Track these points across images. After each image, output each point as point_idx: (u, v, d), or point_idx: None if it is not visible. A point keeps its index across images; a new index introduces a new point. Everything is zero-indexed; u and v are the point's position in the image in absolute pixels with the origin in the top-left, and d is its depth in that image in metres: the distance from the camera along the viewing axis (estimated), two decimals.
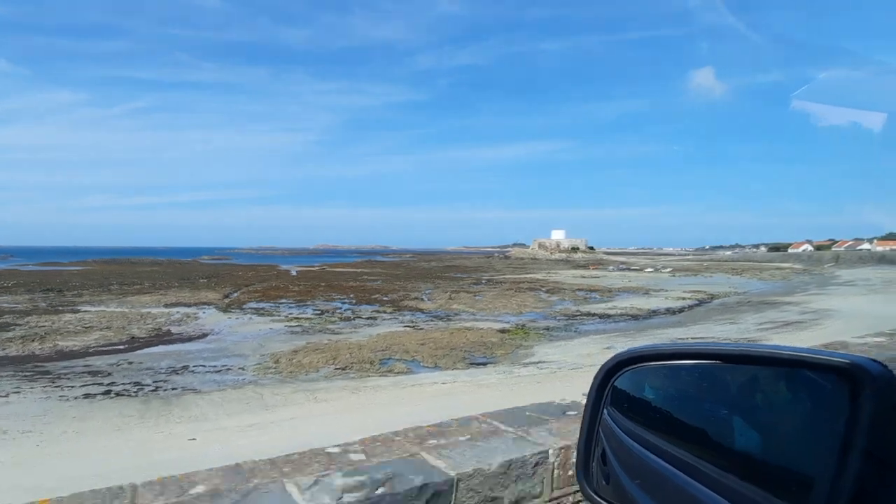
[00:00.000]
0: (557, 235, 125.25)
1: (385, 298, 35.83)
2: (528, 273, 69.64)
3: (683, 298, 36.26)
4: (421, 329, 21.90)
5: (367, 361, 14.38)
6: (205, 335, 19.97)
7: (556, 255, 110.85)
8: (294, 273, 73.61)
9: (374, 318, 26.00)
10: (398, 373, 13.38)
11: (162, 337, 19.74)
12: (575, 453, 1.33)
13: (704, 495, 0.78)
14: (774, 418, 0.80)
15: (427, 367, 14.12)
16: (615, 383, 1.01)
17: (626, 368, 1.00)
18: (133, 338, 19.31)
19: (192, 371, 13.69)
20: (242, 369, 13.73)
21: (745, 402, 0.84)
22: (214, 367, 14.19)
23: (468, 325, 23.36)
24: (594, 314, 28.07)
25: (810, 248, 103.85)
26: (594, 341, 17.51)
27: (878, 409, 0.63)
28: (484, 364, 14.29)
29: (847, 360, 0.67)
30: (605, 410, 1.02)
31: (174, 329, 21.72)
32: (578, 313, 28.52)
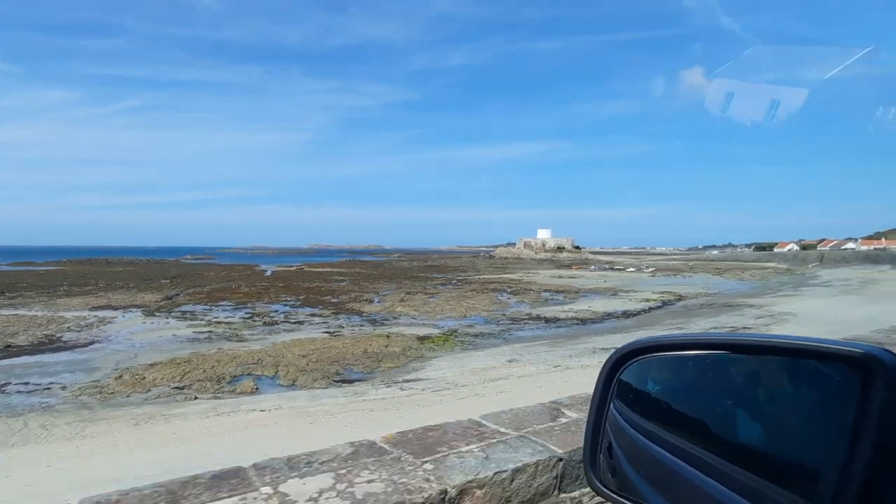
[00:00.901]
0: (543, 235, 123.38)
1: (334, 300, 34.01)
2: (505, 273, 67.90)
3: (649, 300, 34.48)
4: (339, 336, 20.08)
5: (217, 379, 12.52)
6: (91, 343, 18.11)
7: (542, 255, 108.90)
8: (268, 273, 72.17)
9: (301, 323, 24.17)
10: (240, 393, 11.53)
11: (43, 345, 17.88)
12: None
13: (711, 487, 0.77)
14: (781, 409, 0.79)
15: (283, 385, 12.24)
16: (621, 376, 1.00)
17: (632, 360, 0.99)
18: (8, 346, 17.46)
19: (3, 391, 11.86)
20: (63, 388, 11.90)
21: (751, 393, 0.84)
22: (38, 385, 12.36)
23: (394, 330, 21.57)
24: (542, 318, 26.27)
25: (796, 247, 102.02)
26: (510, 352, 15.72)
27: (891, 399, 0.62)
28: (351, 382, 12.46)
29: (859, 350, 0.66)
30: (611, 403, 1.01)
31: (69, 336, 19.87)
32: (526, 317, 26.72)
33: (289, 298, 35.31)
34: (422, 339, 19.12)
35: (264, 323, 24.04)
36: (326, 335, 20.20)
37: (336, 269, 79.11)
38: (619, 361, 0.99)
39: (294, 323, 24.20)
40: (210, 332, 21.16)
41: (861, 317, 21.66)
